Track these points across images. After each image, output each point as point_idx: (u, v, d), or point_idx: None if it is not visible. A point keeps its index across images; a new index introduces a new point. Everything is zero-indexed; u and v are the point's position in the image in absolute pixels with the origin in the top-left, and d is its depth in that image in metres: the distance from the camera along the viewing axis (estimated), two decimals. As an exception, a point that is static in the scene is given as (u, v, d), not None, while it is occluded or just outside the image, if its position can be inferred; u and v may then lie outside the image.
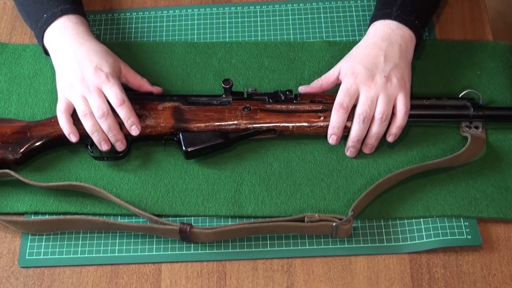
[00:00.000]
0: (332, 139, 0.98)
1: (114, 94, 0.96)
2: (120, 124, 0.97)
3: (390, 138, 0.98)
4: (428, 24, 1.08)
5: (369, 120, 0.96)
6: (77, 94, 0.97)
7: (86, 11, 1.14)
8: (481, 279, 0.90)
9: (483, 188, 0.96)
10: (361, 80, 0.97)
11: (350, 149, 0.98)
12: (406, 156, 0.99)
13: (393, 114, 0.97)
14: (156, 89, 1.04)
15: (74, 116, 0.98)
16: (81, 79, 0.97)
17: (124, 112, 0.96)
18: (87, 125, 0.96)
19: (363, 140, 0.98)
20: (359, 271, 0.92)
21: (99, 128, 0.97)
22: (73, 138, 0.98)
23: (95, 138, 0.97)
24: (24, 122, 1.01)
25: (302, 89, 1.02)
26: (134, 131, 0.97)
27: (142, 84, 1.04)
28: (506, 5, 1.85)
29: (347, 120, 0.97)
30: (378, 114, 0.96)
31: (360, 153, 0.99)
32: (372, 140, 0.98)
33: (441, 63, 1.08)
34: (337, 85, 1.01)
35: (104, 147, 0.97)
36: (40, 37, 1.03)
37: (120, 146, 0.98)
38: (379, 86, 0.96)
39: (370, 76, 0.97)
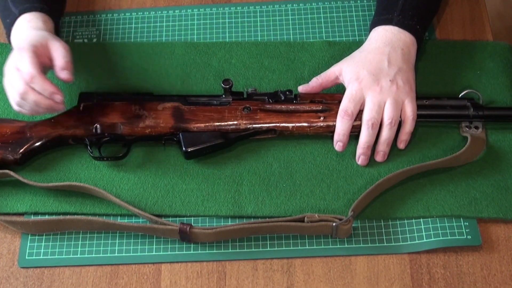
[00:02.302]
0: (338, 146, 0.98)
1: (24, 70, 0.91)
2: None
3: (401, 145, 0.98)
4: (428, 28, 1.08)
5: (378, 126, 0.95)
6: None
7: (86, 11, 1.14)
8: (481, 279, 0.90)
9: (483, 188, 0.96)
10: (366, 85, 0.96)
11: (361, 157, 0.97)
12: (406, 156, 0.99)
13: (400, 119, 0.96)
14: (65, 75, 0.94)
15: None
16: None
17: (39, 86, 0.91)
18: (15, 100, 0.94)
19: (373, 148, 0.97)
20: (359, 271, 0.92)
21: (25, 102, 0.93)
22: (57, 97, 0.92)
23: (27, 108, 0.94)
24: (24, 122, 1.01)
25: (301, 88, 1.02)
26: (57, 98, 0.92)
27: (58, 63, 0.94)
28: (506, 5, 1.85)
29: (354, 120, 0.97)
30: (387, 120, 0.95)
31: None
32: (383, 147, 0.97)
33: (441, 63, 1.08)
34: (336, 84, 1.01)
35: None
36: (10, 44, 1.02)
37: (57, 98, 0.92)
38: (385, 90, 0.95)
39: (375, 81, 0.96)
